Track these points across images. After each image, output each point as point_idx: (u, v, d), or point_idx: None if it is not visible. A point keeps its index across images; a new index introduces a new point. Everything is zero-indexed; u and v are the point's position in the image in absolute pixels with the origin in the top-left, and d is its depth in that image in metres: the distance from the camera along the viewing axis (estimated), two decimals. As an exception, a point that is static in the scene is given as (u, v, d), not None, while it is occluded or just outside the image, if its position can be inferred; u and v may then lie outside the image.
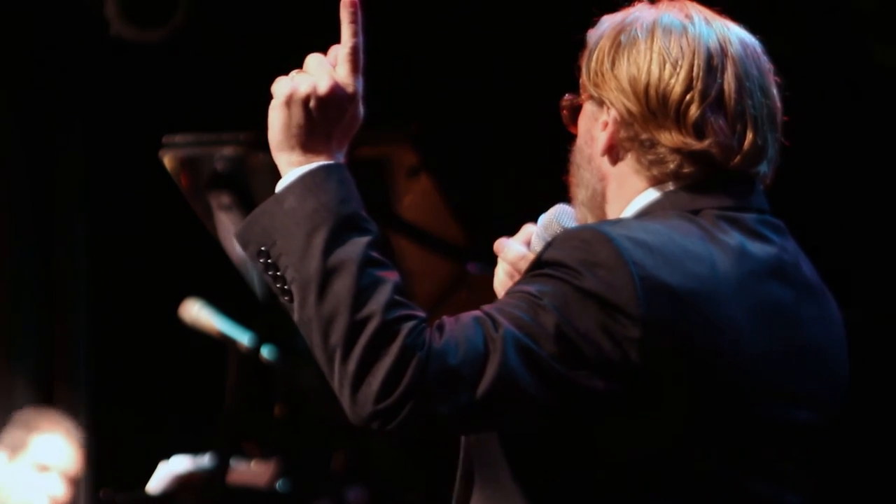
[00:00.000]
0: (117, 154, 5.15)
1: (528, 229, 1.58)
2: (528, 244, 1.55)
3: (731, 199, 1.48)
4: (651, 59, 1.44)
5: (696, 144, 1.44)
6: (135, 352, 5.03)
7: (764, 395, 1.44)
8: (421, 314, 1.40)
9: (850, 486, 4.13)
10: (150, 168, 5.27)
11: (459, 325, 1.37)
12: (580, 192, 1.52)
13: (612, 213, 1.50)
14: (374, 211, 5.32)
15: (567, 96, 1.55)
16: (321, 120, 1.48)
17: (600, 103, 1.48)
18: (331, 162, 1.46)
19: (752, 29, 1.55)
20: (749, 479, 1.44)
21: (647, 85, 1.44)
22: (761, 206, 1.51)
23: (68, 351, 4.72)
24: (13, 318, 5.16)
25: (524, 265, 1.52)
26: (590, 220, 1.52)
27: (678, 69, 1.44)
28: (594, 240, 1.38)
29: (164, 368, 5.03)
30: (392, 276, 1.42)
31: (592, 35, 1.53)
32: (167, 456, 4.15)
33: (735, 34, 1.50)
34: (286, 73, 1.63)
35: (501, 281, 1.57)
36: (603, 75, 1.47)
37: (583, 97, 1.52)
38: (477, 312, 1.39)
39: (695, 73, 1.44)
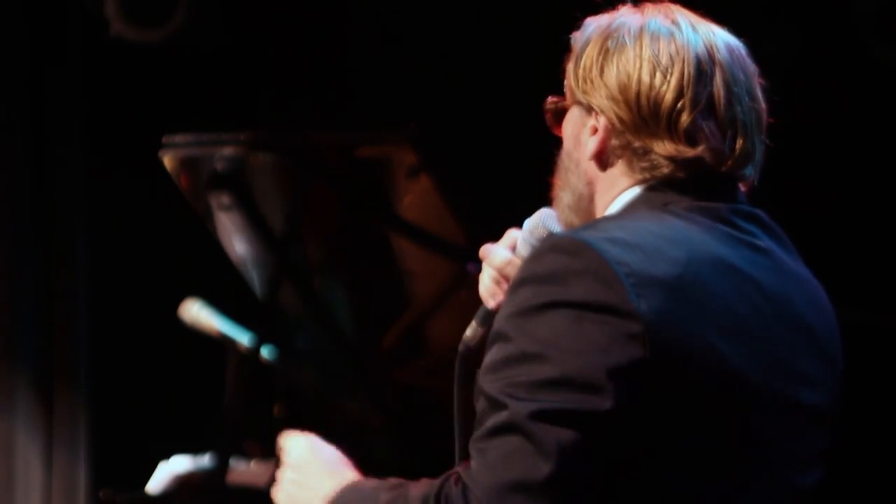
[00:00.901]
0: (117, 153, 5.15)
1: (513, 234, 1.59)
2: (514, 249, 1.56)
3: (706, 194, 1.49)
4: (641, 66, 1.45)
5: (689, 151, 1.46)
6: (135, 352, 5.03)
7: (766, 372, 1.45)
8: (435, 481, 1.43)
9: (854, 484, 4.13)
10: (151, 167, 5.27)
11: (476, 446, 1.38)
12: (566, 196, 1.53)
13: (598, 216, 1.51)
14: (375, 211, 5.30)
15: (551, 99, 1.56)
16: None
17: (588, 109, 1.49)
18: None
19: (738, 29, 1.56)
20: (758, 462, 1.45)
21: (638, 93, 1.44)
22: (737, 201, 1.54)
23: (68, 351, 4.71)
24: (13, 318, 5.16)
25: (511, 270, 1.53)
26: (576, 223, 1.52)
27: (668, 77, 1.45)
28: (573, 248, 1.38)
29: (164, 368, 5.03)
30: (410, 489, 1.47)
31: (577, 39, 1.54)
32: (167, 456, 4.15)
33: (721, 38, 1.51)
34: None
35: (488, 287, 1.58)
36: (592, 82, 1.48)
37: (568, 101, 1.53)
38: (493, 422, 1.37)
39: (685, 81, 1.45)
